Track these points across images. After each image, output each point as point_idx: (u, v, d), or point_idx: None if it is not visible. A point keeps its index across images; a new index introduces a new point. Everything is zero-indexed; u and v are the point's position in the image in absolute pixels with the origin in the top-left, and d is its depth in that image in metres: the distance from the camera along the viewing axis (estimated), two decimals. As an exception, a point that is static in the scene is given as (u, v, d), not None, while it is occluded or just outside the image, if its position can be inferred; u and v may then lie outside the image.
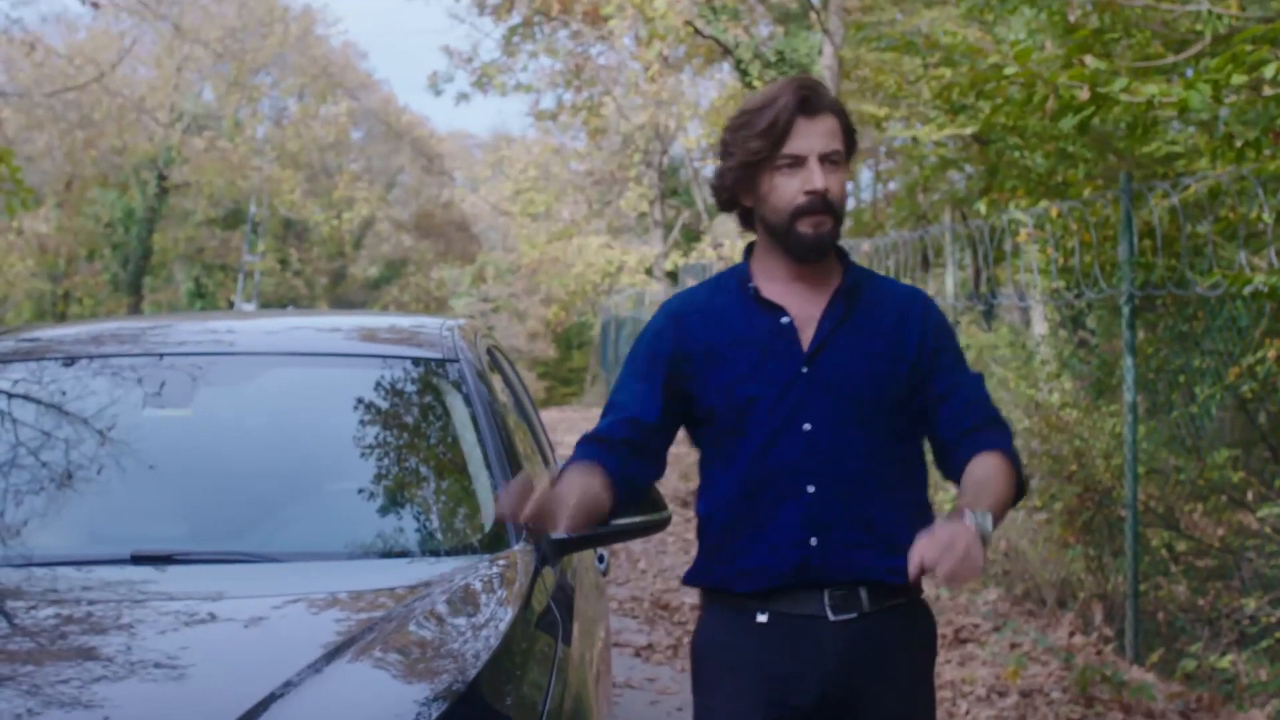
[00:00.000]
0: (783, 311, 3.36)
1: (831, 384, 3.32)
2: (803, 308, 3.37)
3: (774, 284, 3.40)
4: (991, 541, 3.08)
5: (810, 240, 3.31)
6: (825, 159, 3.30)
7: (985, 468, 3.24)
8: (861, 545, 3.29)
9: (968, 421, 3.35)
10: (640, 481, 3.45)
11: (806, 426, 3.31)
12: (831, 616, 3.30)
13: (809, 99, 3.30)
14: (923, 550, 2.92)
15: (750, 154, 3.32)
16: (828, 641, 3.30)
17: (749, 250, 3.49)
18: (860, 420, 3.32)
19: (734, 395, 3.35)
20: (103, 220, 42.68)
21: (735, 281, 3.45)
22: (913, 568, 2.92)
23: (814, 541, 3.28)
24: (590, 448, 3.37)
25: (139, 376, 4.38)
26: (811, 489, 3.30)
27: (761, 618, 3.34)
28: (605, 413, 3.46)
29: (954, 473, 3.32)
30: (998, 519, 3.09)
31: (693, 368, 3.40)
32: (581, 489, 3.16)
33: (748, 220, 3.45)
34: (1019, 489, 3.30)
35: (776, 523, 3.31)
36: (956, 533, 2.95)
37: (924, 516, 3.34)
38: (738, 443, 3.37)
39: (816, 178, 3.27)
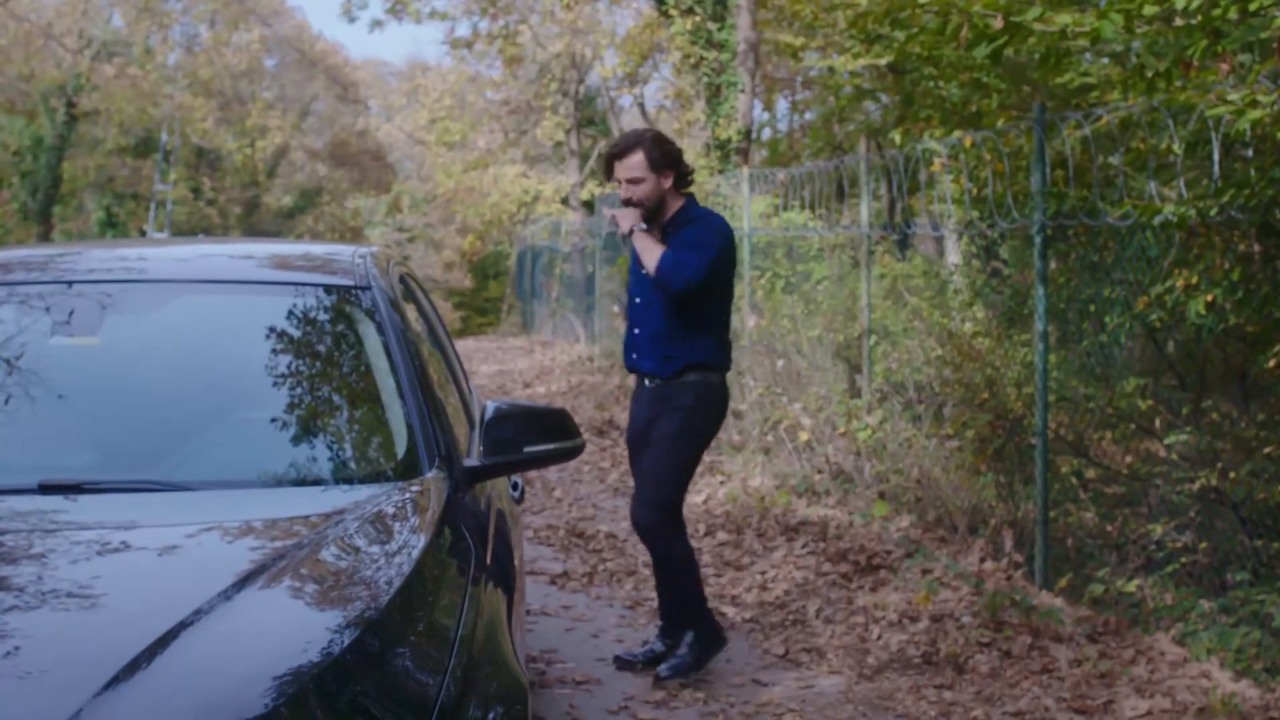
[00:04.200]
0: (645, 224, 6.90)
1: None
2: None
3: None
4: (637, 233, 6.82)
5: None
6: (630, 181, 6.81)
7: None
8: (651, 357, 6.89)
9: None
10: None
11: (638, 300, 6.96)
12: (648, 384, 6.91)
13: (615, 150, 6.92)
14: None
15: (605, 172, 7.10)
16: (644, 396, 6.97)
17: None
18: (662, 296, 6.78)
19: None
20: (10, 148, 42.07)
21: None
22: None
23: (634, 355, 6.96)
24: None
25: (47, 305, 4.33)
26: (636, 331, 6.95)
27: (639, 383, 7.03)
28: None
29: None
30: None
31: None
32: None
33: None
34: (657, 274, 6.70)
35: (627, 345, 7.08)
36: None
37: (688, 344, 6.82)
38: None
39: (623, 192, 6.87)
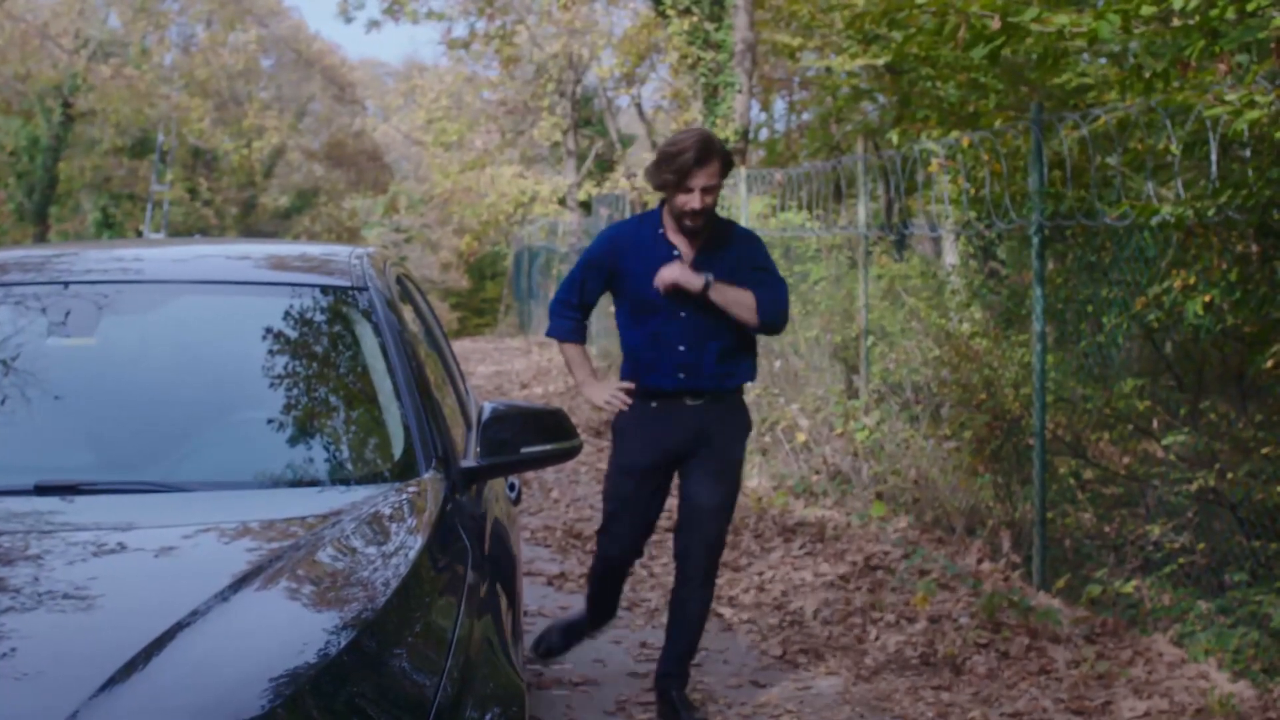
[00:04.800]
0: (674, 247, 6.14)
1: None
2: (685, 247, 6.14)
3: (670, 231, 6.18)
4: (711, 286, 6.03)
5: (690, 229, 6.11)
6: (705, 190, 5.99)
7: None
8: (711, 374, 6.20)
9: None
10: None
11: (683, 314, 6.12)
12: (689, 403, 6.18)
13: (700, 156, 5.95)
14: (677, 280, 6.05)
15: (661, 179, 6.04)
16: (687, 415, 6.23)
17: (662, 204, 6.18)
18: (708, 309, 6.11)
19: (644, 291, 6.11)
20: (6, 149, 42.02)
21: (650, 224, 6.25)
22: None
23: (681, 375, 6.15)
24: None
25: (43, 305, 4.32)
26: (682, 348, 6.12)
27: (653, 405, 6.23)
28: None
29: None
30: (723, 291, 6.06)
31: (617, 271, 6.23)
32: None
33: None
34: (762, 321, 6.15)
35: (661, 363, 6.20)
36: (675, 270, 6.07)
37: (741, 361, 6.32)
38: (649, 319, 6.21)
39: (698, 201, 5.99)
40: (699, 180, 5.93)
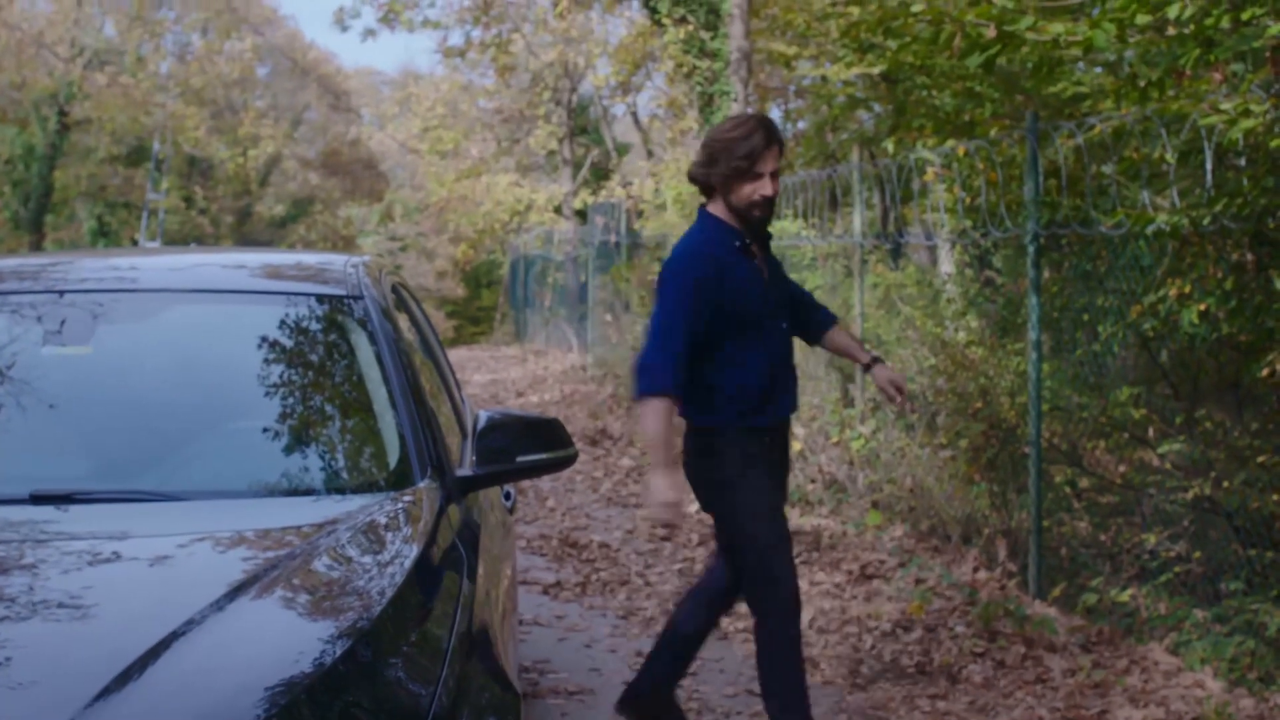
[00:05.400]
0: (754, 255, 5.53)
1: (783, 302, 5.68)
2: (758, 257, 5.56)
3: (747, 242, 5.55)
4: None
5: (757, 220, 5.50)
6: (773, 175, 5.39)
7: (842, 335, 6.01)
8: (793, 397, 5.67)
9: (811, 313, 5.94)
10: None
11: (784, 326, 5.62)
12: (767, 440, 5.53)
13: (776, 133, 5.40)
14: (900, 385, 5.74)
15: (731, 168, 5.38)
16: (780, 442, 5.63)
17: (703, 210, 5.59)
18: (789, 320, 5.70)
19: (749, 310, 5.45)
20: (2, 157, 42.00)
21: (728, 239, 5.49)
22: (896, 395, 5.72)
23: (784, 398, 5.60)
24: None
25: (38, 314, 4.32)
26: (792, 364, 5.71)
27: (767, 439, 5.54)
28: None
29: (813, 339, 5.99)
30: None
31: (721, 294, 5.38)
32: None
33: (709, 192, 5.57)
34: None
35: (768, 388, 5.56)
36: (897, 377, 5.76)
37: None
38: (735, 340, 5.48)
39: (772, 188, 5.40)
40: (769, 164, 5.38)
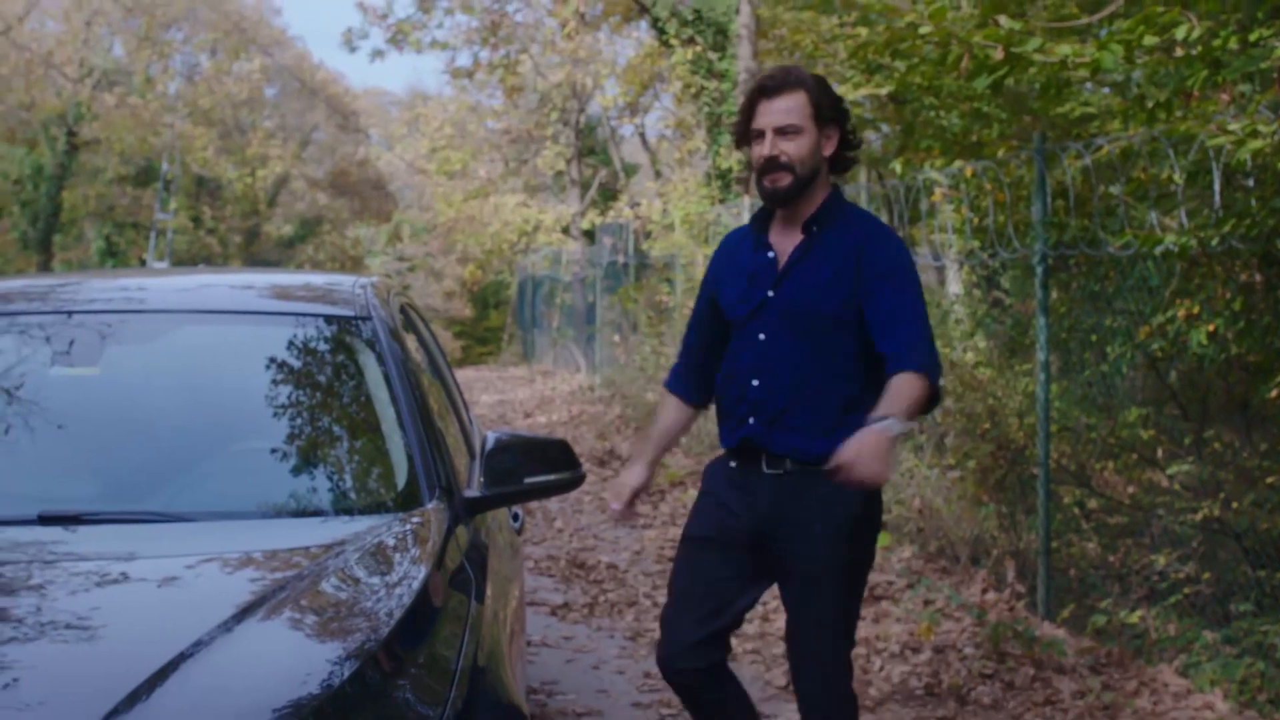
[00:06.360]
0: (770, 248, 4.55)
1: (786, 304, 4.45)
2: (784, 245, 4.53)
3: (778, 226, 4.58)
4: (905, 434, 4.54)
5: (769, 191, 4.48)
6: (780, 131, 4.43)
7: (894, 384, 4.22)
8: (790, 428, 4.43)
9: (892, 348, 4.31)
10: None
11: (761, 337, 4.48)
12: (765, 470, 4.47)
13: (766, 85, 4.48)
14: (840, 456, 3.94)
15: (735, 132, 4.59)
16: (763, 488, 4.47)
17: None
18: (804, 334, 4.42)
19: (731, 313, 4.58)
20: (11, 177, 42.09)
21: (750, 226, 4.68)
22: (831, 467, 3.97)
23: (751, 420, 4.47)
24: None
25: (47, 335, 4.32)
26: (755, 383, 4.47)
27: (732, 464, 4.58)
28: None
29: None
30: (910, 418, 4.18)
31: (717, 291, 4.69)
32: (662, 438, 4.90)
33: None
34: (933, 398, 4.32)
35: (736, 405, 4.54)
36: (862, 439, 3.96)
37: (858, 410, 4.21)
38: (729, 347, 4.61)
39: (768, 146, 4.44)
40: (770, 117, 4.44)
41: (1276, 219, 6.72)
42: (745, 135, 4.54)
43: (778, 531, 4.46)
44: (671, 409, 4.87)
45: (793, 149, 4.41)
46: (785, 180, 4.42)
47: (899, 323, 4.34)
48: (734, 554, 4.53)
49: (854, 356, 4.40)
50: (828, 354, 4.41)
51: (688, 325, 4.89)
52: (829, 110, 4.46)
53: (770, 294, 4.47)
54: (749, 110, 4.50)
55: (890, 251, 4.45)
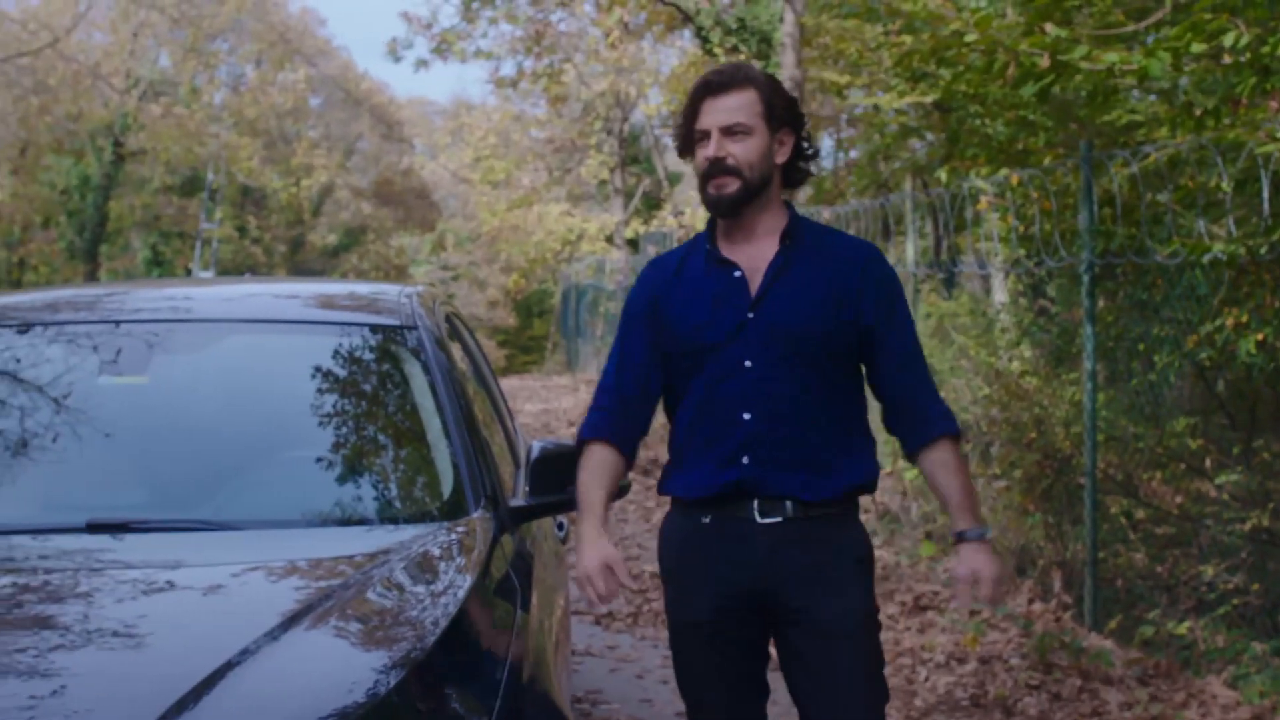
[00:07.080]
0: (735, 266, 3.92)
1: (771, 327, 3.86)
2: (751, 261, 3.92)
3: (729, 243, 3.96)
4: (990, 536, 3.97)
5: (713, 199, 3.90)
6: (727, 131, 3.86)
7: (945, 473, 3.95)
8: (789, 466, 3.84)
9: (914, 401, 3.98)
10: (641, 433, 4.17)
11: (747, 364, 3.85)
12: (759, 519, 3.85)
13: (712, 81, 3.92)
14: (960, 577, 3.82)
15: (678, 135, 4.00)
16: (758, 540, 3.85)
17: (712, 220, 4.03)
18: (795, 358, 3.86)
19: (696, 340, 3.91)
20: (58, 187, 42.33)
21: (700, 245, 4.01)
22: (965, 600, 3.86)
23: (745, 460, 3.84)
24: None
25: (95, 344, 4.34)
26: (747, 416, 3.85)
27: (705, 520, 3.91)
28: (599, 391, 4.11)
29: (898, 431, 4.02)
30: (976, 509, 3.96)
31: (663, 319, 3.98)
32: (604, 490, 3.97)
33: None
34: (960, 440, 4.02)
35: (719, 443, 3.90)
36: (975, 559, 3.83)
37: (859, 443, 3.95)
38: (696, 379, 3.95)
39: (713, 148, 3.86)
40: (716, 116, 3.89)
41: (1326, 227, 6.67)
42: (689, 139, 3.94)
43: (785, 587, 3.86)
44: (607, 463, 4.02)
45: (740, 151, 3.85)
46: (732, 186, 3.86)
47: (916, 369, 4.01)
48: (744, 632, 3.97)
49: (849, 380, 3.96)
50: (823, 379, 3.88)
51: (608, 366, 4.12)
52: (783, 112, 3.92)
53: (750, 315, 3.86)
54: (693, 110, 3.93)
55: (891, 274, 4.07)
